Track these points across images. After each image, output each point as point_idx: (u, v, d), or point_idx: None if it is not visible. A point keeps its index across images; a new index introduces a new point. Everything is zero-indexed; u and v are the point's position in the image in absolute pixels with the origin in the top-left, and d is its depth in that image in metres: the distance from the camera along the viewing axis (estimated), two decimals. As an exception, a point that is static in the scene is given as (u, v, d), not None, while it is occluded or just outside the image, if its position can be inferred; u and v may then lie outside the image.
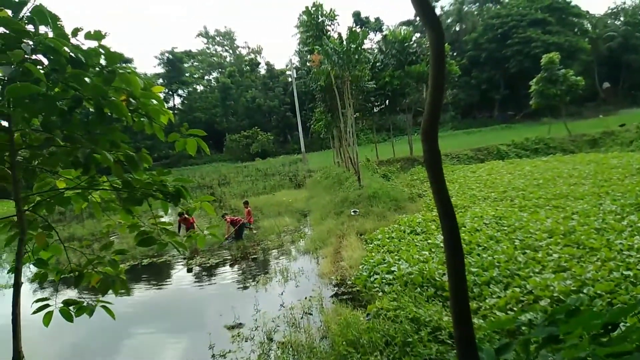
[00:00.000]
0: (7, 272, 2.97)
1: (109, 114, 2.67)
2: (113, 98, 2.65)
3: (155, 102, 2.94)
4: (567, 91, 30.31)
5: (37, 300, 2.78)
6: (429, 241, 9.57)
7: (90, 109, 2.73)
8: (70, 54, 2.42)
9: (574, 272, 6.42)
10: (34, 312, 2.71)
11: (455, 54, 57.19)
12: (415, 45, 29.09)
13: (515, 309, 5.70)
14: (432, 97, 1.79)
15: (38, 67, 2.31)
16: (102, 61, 2.65)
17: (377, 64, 28.82)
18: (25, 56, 2.22)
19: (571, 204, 11.30)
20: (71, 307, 2.90)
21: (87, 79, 2.53)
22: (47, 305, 2.80)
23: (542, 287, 6.02)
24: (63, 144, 2.75)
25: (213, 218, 18.36)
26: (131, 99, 2.80)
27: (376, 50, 31.68)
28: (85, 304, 2.99)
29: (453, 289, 1.85)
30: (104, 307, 2.98)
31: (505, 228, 9.70)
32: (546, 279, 6.29)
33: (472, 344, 1.85)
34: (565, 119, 31.47)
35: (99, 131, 2.73)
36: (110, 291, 3.18)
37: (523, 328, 4.67)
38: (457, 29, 62.39)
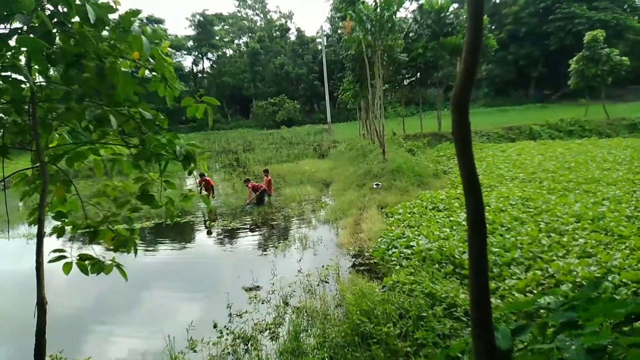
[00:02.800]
0: (29, 224, 3.05)
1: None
2: (121, 55, 2.62)
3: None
4: (609, 72, 28.69)
5: (54, 251, 2.86)
6: (451, 218, 9.45)
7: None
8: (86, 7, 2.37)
9: (600, 258, 6.24)
10: (50, 261, 2.78)
11: (493, 27, 54.68)
12: (452, 16, 27.93)
13: (534, 291, 5.61)
14: (466, 64, 1.68)
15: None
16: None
17: (411, 34, 27.90)
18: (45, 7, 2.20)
19: (602, 189, 10.89)
20: (87, 262, 2.97)
21: (94, 36, 2.50)
22: (64, 257, 2.88)
23: (564, 272, 5.89)
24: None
25: (236, 183, 18.61)
26: (150, 59, 2.78)
27: (410, 20, 30.57)
28: (101, 260, 3.06)
29: (473, 267, 1.79)
30: (117, 266, 3.04)
31: (531, 210, 9.46)
32: (570, 263, 6.14)
33: (488, 323, 1.80)
34: (605, 101, 29.94)
35: (102, 89, 2.71)
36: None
37: (541, 311, 4.59)
38: (497, 1, 59.49)
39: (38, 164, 2.95)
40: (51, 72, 2.94)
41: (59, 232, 3.22)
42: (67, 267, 2.93)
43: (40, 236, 2.80)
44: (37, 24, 2.36)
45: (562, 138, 26.07)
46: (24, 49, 2.37)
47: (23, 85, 2.69)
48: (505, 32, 52.18)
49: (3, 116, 3.00)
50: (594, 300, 2.11)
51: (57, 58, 2.54)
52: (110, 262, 3.08)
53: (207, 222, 12.76)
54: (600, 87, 30.41)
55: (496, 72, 53.55)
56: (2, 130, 3.01)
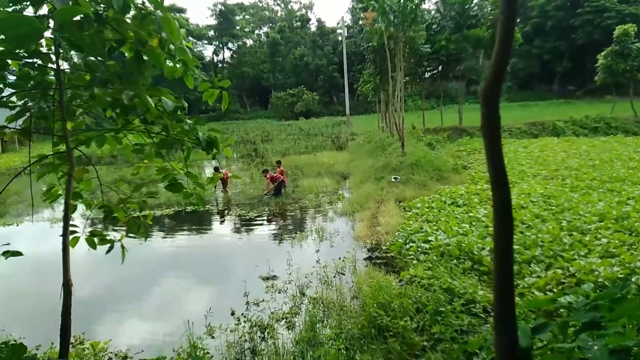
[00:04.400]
0: (45, 200, 3.13)
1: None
2: (150, 43, 2.64)
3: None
4: (638, 67, 27.84)
5: (71, 225, 2.94)
6: (470, 214, 9.35)
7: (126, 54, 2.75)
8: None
9: (623, 259, 6.09)
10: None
11: (518, 20, 53.49)
12: (476, 8, 27.38)
13: (555, 290, 5.53)
14: (497, 56, 1.65)
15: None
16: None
17: (434, 26, 27.47)
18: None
19: (628, 188, 10.61)
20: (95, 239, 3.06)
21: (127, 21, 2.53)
22: (74, 232, 2.96)
23: (586, 271, 5.78)
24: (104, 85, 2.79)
25: (254, 173, 18.74)
26: (171, 45, 2.80)
27: (433, 12, 30.09)
28: (109, 239, 3.14)
29: (498, 262, 1.77)
30: (121, 247, 3.11)
31: (553, 207, 9.29)
32: (592, 263, 6.02)
33: (512, 320, 1.78)
34: (633, 98, 29.06)
35: (135, 75, 2.74)
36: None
37: (561, 310, 4.53)
38: (524, -7, 58.08)
39: (64, 149, 3.02)
40: (76, 60, 3.00)
41: (89, 207, 3.32)
42: (73, 242, 3.00)
43: (66, 220, 2.87)
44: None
45: (586, 135, 25.43)
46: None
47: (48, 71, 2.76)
48: (531, 26, 50.94)
49: (29, 101, 3.07)
50: (618, 301, 2.07)
51: (94, 45, 2.57)
52: (120, 239, 3.15)
53: (223, 212, 12.94)
54: (629, 84, 29.50)
55: (519, 66, 52.41)
56: (27, 115, 3.08)
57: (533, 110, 37.74)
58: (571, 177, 12.58)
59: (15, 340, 5.39)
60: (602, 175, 12.37)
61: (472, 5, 27.21)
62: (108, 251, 3.12)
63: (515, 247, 6.83)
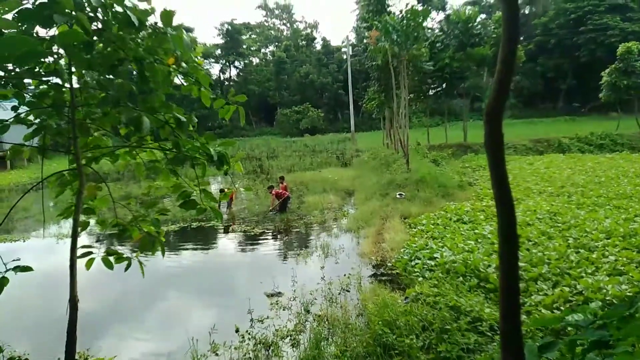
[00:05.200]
0: (57, 216, 3.15)
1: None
2: (156, 60, 2.70)
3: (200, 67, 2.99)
4: (642, 85, 27.93)
5: (83, 247, 2.96)
6: (476, 231, 9.31)
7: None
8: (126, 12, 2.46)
9: (631, 276, 6.03)
10: (80, 257, 2.88)
11: (522, 38, 53.91)
12: (479, 26, 27.70)
13: (562, 308, 5.47)
14: (500, 74, 1.68)
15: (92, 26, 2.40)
16: (157, 22, 2.69)
17: (437, 44, 27.78)
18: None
19: (635, 205, 10.54)
20: (111, 257, 3.08)
21: (131, 41, 2.59)
22: (90, 253, 2.99)
23: (593, 289, 5.72)
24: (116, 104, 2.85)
25: (260, 190, 18.78)
26: (183, 63, 2.86)
27: (437, 30, 30.45)
28: (125, 256, 3.16)
29: (504, 279, 1.78)
30: (139, 262, 3.13)
31: (560, 225, 9.24)
32: (599, 280, 5.96)
33: (518, 338, 1.77)
34: (638, 114, 29.07)
35: (141, 94, 2.80)
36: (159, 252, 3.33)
37: (569, 329, 4.48)
38: (526, 11, 58.59)
39: (75, 166, 3.07)
40: (87, 78, 3.07)
41: (83, 226, 3.34)
42: (89, 263, 3.03)
43: (75, 236, 2.90)
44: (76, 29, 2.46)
45: (592, 152, 25.39)
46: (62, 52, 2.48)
47: (63, 90, 2.82)
48: (534, 44, 51.28)
49: (44, 119, 3.13)
50: (627, 320, 2.05)
51: (97, 63, 2.63)
52: (135, 256, 3.17)
53: (228, 227, 12.99)
54: (633, 100, 29.55)
55: (524, 84, 52.57)
56: (42, 132, 3.15)
57: (538, 127, 37.76)
58: (577, 194, 12.52)
59: (19, 357, 5.39)
60: (608, 192, 12.31)
61: (476, 24, 27.54)
62: (127, 268, 3.15)
63: (521, 264, 6.79)
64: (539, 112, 51.35)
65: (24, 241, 12.70)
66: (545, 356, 2.34)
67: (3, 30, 2.25)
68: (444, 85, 29.94)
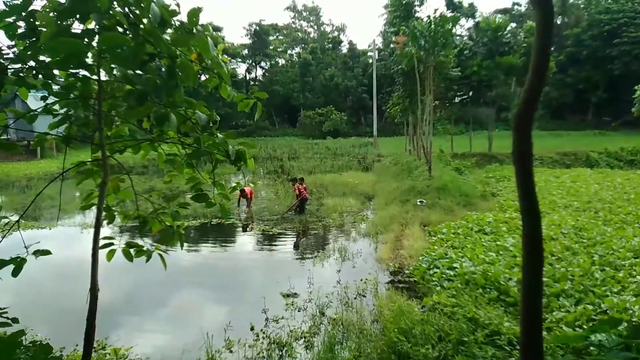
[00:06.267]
0: (81, 209, 3.23)
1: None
2: (184, 56, 2.75)
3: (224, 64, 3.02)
4: (678, 100, 27.02)
5: (105, 238, 3.02)
6: (498, 243, 9.12)
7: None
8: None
9: (660, 298, 5.82)
10: (101, 247, 2.93)
11: (552, 49, 52.75)
12: (509, 35, 27.30)
13: (584, 326, 5.30)
14: (531, 83, 1.65)
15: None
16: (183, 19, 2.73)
17: (465, 52, 27.46)
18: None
19: (666, 224, 10.18)
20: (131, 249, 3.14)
21: (165, 37, 2.63)
22: (112, 244, 3.05)
23: (619, 309, 5.53)
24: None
25: (280, 190, 18.87)
26: (207, 60, 2.90)
27: (465, 37, 30.11)
28: (145, 249, 3.21)
29: (527, 293, 1.73)
30: (160, 255, 3.18)
31: (585, 240, 8.98)
32: (625, 300, 5.76)
33: (539, 355, 1.73)
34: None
35: (167, 89, 2.84)
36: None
37: (592, 348, 4.34)
38: (559, 22, 57.35)
39: (99, 157, 3.14)
40: (115, 72, 3.14)
41: (109, 219, 3.41)
42: (110, 254, 3.09)
43: (98, 226, 2.95)
44: (110, 26, 2.52)
45: (621, 167, 24.64)
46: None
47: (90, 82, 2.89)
48: (565, 55, 50.14)
49: (69, 109, 3.22)
50: (653, 341, 1.99)
51: (129, 59, 2.69)
52: (155, 248, 3.21)
53: (246, 226, 13.11)
54: (668, 116, 28.60)
55: (552, 95, 51.37)
56: (68, 122, 3.23)
57: (566, 140, 36.89)
58: (604, 210, 12.16)
59: (41, 341, 5.54)
60: (637, 210, 11.91)
61: (505, 32, 27.12)
62: (147, 260, 3.21)
63: (543, 279, 6.62)
64: (567, 125, 50.12)
65: (50, 229, 13.08)
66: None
67: (44, 29, 2.33)
68: (470, 93, 29.62)
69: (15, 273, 2.65)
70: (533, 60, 1.61)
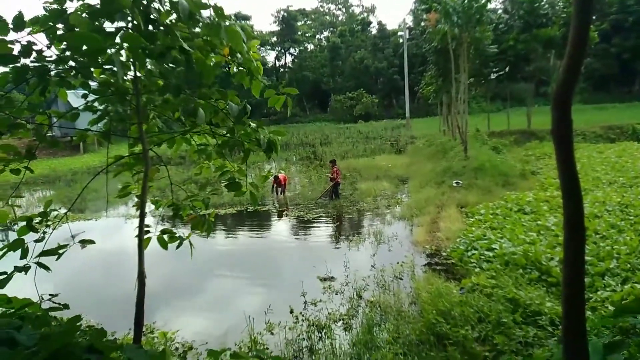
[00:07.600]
0: (119, 196, 3.40)
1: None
2: (214, 51, 2.81)
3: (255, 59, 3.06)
4: None
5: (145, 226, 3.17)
6: (539, 222, 8.89)
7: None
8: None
9: None
10: (136, 236, 3.08)
11: (594, 17, 49.79)
12: (547, 6, 25.96)
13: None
14: (570, 58, 1.59)
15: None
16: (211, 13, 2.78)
17: (500, 26, 26.40)
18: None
19: None
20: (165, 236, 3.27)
21: (182, 31, 2.70)
22: (148, 232, 3.19)
23: (670, 288, 5.31)
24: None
25: (313, 175, 18.97)
26: (238, 54, 2.94)
27: (500, 11, 28.91)
28: (177, 236, 3.34)
29: (569, 273, 1.70)
30: (190, 243, 3.30)
31: (631, 218, 8.60)
32: (677, 279, 5.52)
33: (582, 335, 1.70)
34: None
35: (193, 82, 2.92)
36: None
37: (639, 328, 4.21)
38: (601, -13, 53.97)
39: (138, 150, 3.27)
40: (149, 66, 3.24)
41: (157, 205, 3.60)
42: (146, 242, 3.22)
43: (142, 216, 3.09)
44: (136, 23, 2.60)
45: (673, 140, 23.22)
46: (125, 44, 2.64)
47: (126, 78, 3.01)
48: (609, 23, 47.16)
49: (107, 105, 3.36)
50: None
51: (150, 52, 2.77)
52: (187, 237, 3.34)
53: (281, 212, 13.32)
54: None
55: (595, 66, 48.62)
56: (106, 118, 3.38)
57: (610, 113, 35.07)
58: (654, 186, 11.56)
59: (94, 326, 5.88)
60: (690, 184, 11.26)
61: (543, 3, 25.84)
62: (178, 246, 3.35)
63: (588, 258, 6.42)
64: (611, 97, 47.45)
65: (96, 220, 13.74)
66: (611, 356, 2.23)
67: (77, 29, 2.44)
68: (506, 69, 28.49)
69: (57, 257, 2.81)
70: (572, 33, 1.55)
